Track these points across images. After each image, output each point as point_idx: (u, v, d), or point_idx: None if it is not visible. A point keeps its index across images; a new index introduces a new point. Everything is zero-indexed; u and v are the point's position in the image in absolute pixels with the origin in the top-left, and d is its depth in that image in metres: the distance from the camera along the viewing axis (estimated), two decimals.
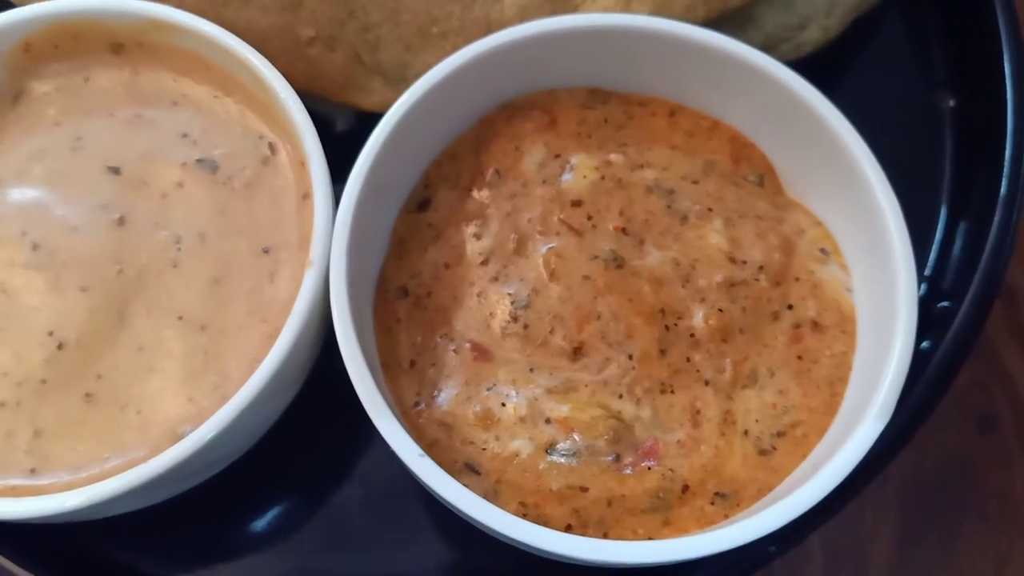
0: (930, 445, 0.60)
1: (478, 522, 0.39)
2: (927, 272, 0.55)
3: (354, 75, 0.52)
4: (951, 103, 0.58)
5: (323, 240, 0.44)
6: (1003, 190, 0.51)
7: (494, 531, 0.39)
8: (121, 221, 0.46)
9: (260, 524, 0.50)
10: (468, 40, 0.47)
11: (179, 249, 0.46)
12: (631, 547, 0.39)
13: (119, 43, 0.50)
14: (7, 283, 0.45)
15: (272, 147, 0.48)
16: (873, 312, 0.46)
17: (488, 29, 0.49)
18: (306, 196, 0.46)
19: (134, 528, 0.48)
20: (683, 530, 0.42)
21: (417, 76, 0.47)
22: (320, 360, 0.48)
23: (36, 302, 0.45)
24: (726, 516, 0.43)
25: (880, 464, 0.46)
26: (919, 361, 0.49)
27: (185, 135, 0.49)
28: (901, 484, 0.60)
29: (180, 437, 0.41)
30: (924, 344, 0.51)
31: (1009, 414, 0.61)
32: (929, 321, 0.52)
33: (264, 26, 0.50)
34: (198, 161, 0.48)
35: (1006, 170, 0.52)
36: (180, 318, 0.45)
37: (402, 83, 0.51)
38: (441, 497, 0.40)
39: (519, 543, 0.40)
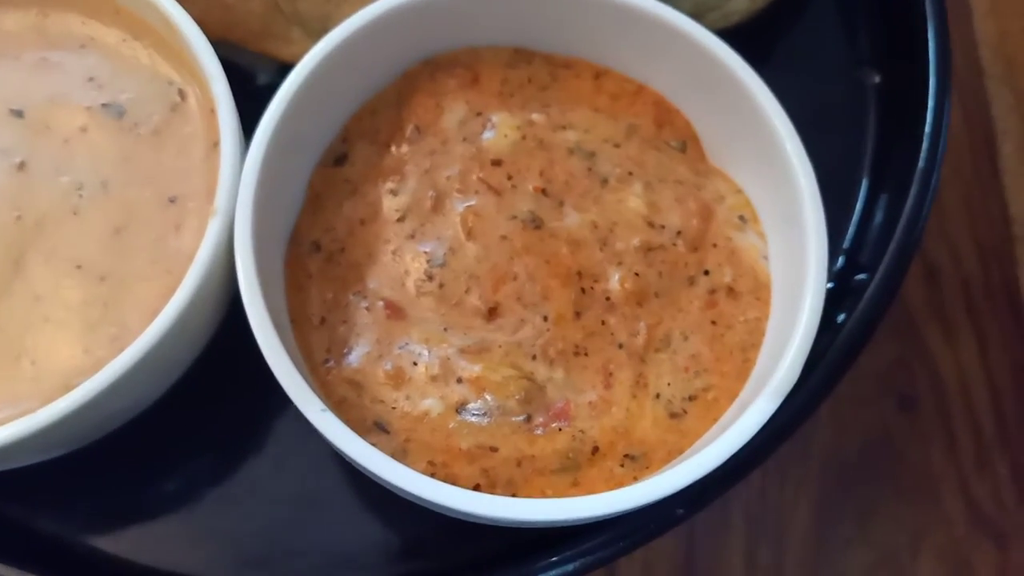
0: (851, 422, 0.61)
1: (384, 480, 0.39)
2: (846, 245, 0.55)
3: (272, 24, 0.51)
4: (876, 79, 0.59)
5: (229, 189, 0.42)
6: (920, 164, 0.52)
7: (401, 490, 0.39)
8: (22, 166, 0.45)
9: (165, 483, 0.49)
10: None
11: (80, 196, 0.44)
12: (538, 505, 0.39)
13: None
14: None
15: (182, 93, 0.47)
16: (786, 280, 0.46)
17: None
18: (215, 145, 0.45)
19: (33, 485, 0.47)
20: (592, 491, 0.42)
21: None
22: (229, 318, 0.47)
23: None
24: (635, 478, 0.43)
25: (788, 431, 0.47)
26: (833, 331, 0.50)
27: (91, 79, 0.47)
28: (823, 459, 0.61)
29: (72, 388, 0.40)
30: (840, 317, 0.51)
31: (929, 392, 0.62)
32: (846, 292, 0.53)
33: None
34: (104, 106, 0.46)
35: (924, 145, 0.53)
36: (79, 267, 0.43)
37: (322, 34, 0.49)
38: (346, 455, 0.39)
39: (426, 502, 0.39)
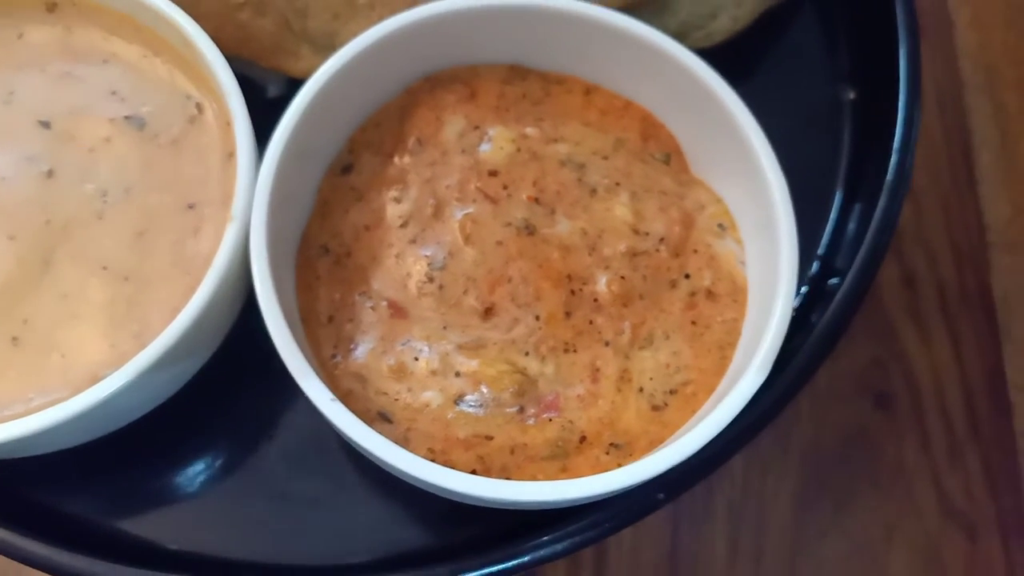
0: (830, 418, 0.64)
1: (389, 464, 0.42)
2: (820, 252, 0.58)
3: (283, 41, 0.54)
4: (851, 95, 0.62)
5: (245, 196, 0.45)
6: (889, 176, 0.55)
7: (404, 473, 0.42)
8: (50, 173, 0.48)
9: (183, 469, 0.52)
10: (394, 12, 0.49)
11: (105, 202, 0.47)
12: (530, 487, 0.42)
13: (53, 2, 0.51)
14: None
15: (199, 107, 0.50)
16: (761, 283, 0.49)
17: (413, 2, 0.51)
18: (231, 155, 0.48)
19: (58, 473, 0.50)
20: (579, 476, 0.45)
21: (344, 44, 0.49)
22: (242, 318, 0.50)
23: None
24: (619, 465, 0.46)
25: (763, 421, 0.50)
26: (806, 331, 0.53)
27: (114, 92, 0.50)
28: (802, 453, 0.63)
29: (101, 380, 0.43)
30: (813, 318, 0.54)
31: (905, 391, 0.64)
32: (820, 297, 0.56)
33: None
34: (126, 118, 0.49)
35: (893, 159, 0.55)
36: (104, 268, 0.46)
37: (329, 50, 0.52)
38: (353, 441, 0.42)
39: (428, 485, 0.42)
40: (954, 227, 0.69)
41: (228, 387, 0.52)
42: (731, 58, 0.52)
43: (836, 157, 0.61)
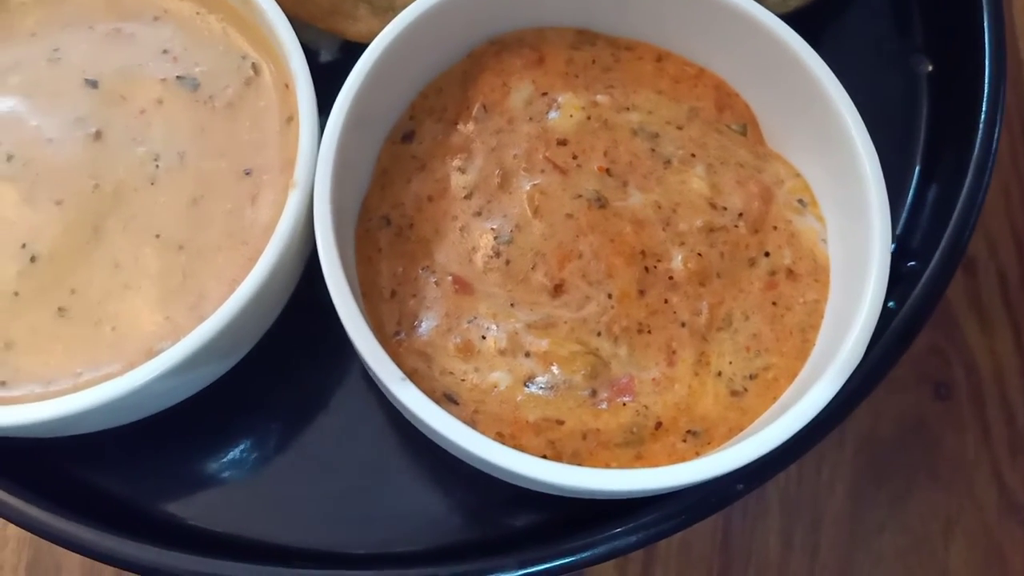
0: (887, 408, 0.62)
1: (458, 447, 0.40)
2: (898, 231, 0.56)
3: (341, 2, 0.51)
4: (929, 68, 0.59)
5: (308, 162, 0.43)
6: (975, 152, 0.52)
7: (473, 456, 0.40)
8: (98, 135, 0.46)
9: (232, 450, 0.50)
10: None
11: (157, 167, 0.45)
12: (605, 475, 0.40)
13: None
14: None
15: (255, 68, 0.47)
16: (846, 263, 0.47)
17: None
18: (290, 119, 0.46)
19: (104, 451, 0.48)
20: (655, 465, 0.43)
21: (404, 6, 0.47)
22: (298, 290, 0.48)
23: (9, 214, 0.44)
24: (697, 453, 0.44)
25: (843, 413, 0.47)
26: (884, 318, 0.51)
27: (166, 51, 0.47)
28: (858, 444, 0.61)
29: (156, 354, 0.41)
30: (890, 304, 0.52)
31: (964, 382, 0.63)
32: (897, 279, 0.54)
33: None
34: (178, 78, 0.47)
35: (979, 134, 0.53)
36: (157, 236, 0.44)
37: (389, 12, 0.50)
38: (421, 422, 0.40)
39: (497, 468, 0.40)
40: (1015, 213, 0.67)
41: (279, 365, 0.50)
42: (800, 26, 0.50)
43: (914, 132, 0.58)
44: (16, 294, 0.43)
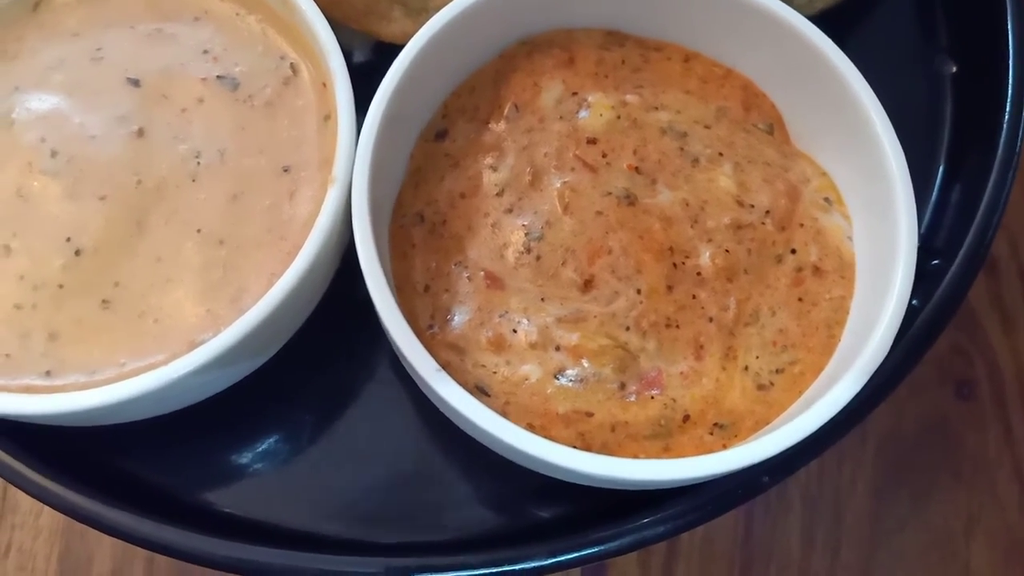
0: (909, 406, 0.62)
1: (491, 436, 0.41)
2: (922, 230, 0.56)
3: (375, 3, 0.52)
4: (953, 69, 0.60)
5: (346, 158, 0.44)
6: (999, 152, 0.53)
7: (506, 445, 0.41)
8: (140, 133, 0.47)
9: (267, 440, 0.51)
10: None
11: (198, 164, 0.46)
12: (635, 465, 0.41)
13: None
14: (25, 188, 0.45)
15: (294, 68, 0.48)
16: (872, 261, 0.47)
17: None
18: (327, 118, 0.47)
19: (143, 440, 0.49)
20: (682, 456, 0.44)
21: (437, 8, 0.47)
22: (333, 285, 0.49)
23: (54, 209, 0.45)
24: (724, 446, 0.44)
25: (866, 408, 0.48)
26: (908, 316, 0.51)
27: (206, 51, 0.49)
28: (879, 442, 0.62)
29: (197, 346, 0.42)
30: (914, 302, 0.53)
31: (987, 381, 0.63)
32: (921, 277, 0.54)
33: None
34: (219, 77, 0.48)
35: (1003, 134, 0.53)
36: (199, 231, 0.45)
37: (423, 13, 0.51)
38: (456, 412, 0.41)
39: (529, 458, 0.41)
40: None
41: (313, 358, 0.51)
42: (826, 27, 0.50)
43: (938, 133, 0.59)
44: (61, 286, 0.44)
